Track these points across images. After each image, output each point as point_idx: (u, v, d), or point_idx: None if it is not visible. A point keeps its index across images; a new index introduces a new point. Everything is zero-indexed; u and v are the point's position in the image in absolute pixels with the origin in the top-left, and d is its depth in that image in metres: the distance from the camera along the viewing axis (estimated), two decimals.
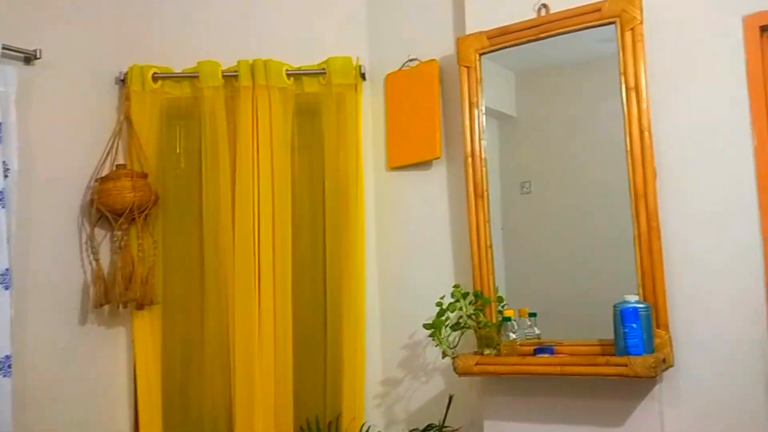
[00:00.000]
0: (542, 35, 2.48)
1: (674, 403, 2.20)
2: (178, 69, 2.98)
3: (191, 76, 2.96)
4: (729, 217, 2.18)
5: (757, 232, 2.13)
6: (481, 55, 2.61)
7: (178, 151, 3.02)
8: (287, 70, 2.97)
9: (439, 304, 2.50)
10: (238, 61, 2.94)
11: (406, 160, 2.88)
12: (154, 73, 2.94)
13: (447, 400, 2.62)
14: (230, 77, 2.95)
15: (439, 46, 2.84)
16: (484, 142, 2.58)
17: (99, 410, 2.80)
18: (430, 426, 2.69)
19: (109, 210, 2.77)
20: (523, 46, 2.54)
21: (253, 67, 2.93)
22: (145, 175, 2.86)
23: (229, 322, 2.81)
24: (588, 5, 2.39)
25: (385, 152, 2.95)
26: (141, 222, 2.82)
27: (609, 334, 2.24)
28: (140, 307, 2.81)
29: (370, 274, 2.92)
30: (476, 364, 2.35)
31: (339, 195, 2.90)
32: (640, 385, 2.20)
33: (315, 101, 3.00)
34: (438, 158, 2.78)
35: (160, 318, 2.86)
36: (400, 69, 2.92)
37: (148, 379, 2.80)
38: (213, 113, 2.93)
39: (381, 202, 2.95)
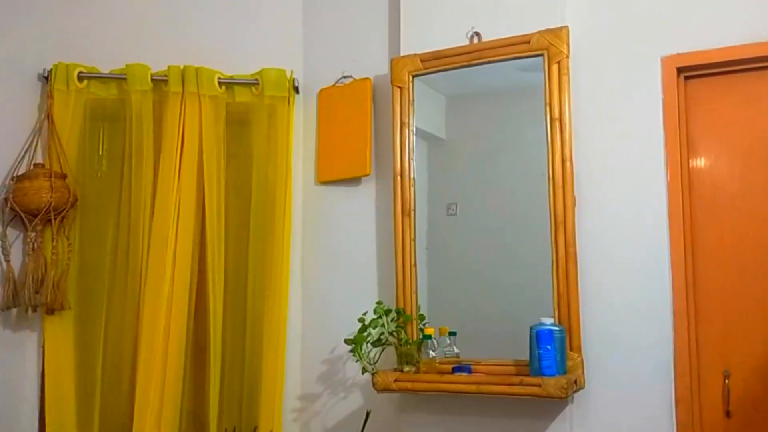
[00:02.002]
0: (474, 62, 2.56)
1: (583, 424, 2.29)
2: (105, 69, 2.90)
3: (119, 78, 2.89)
4: (641, 246, 2.29)
5: (667, 259, 2.25)
6: (414, 77, 2.66)
7: (100, 153, 2.93)
8: (219, 79, 2.93)
9: (361, 320, 2.51)
10: (169, 66, 2.89)
11: (335, 175, 2.89)
12: (80, 72, 2.86)
13: (364, 416, 2.63)
14: (159, 81, 2.89)
15: (373, 65, 2.87)
16: (413, 162, 2.63)
17: (1, 417, 2.67)
18: None
19: (23, 210, 2.66)
20: (455, 71, 2.60)
21: (183, 73, 2.88)
22: (64, 176, 2.77)
23: (137, 331, 2.73)
24: (518, 36, 2.48)
25: (315, 166, 2.96)
26: (57, 224, 2.72)
27: (525, 355, 2.30)
28: (50, 311, 2.70)
29: (293, 287, 2.91)
30: (395, 380, 2.37)
31: (266, 206, 2.88)
32: (552, 405, 2.28)
33: (246, 111, 2.98)
34: (367, 175, 2.81)
35: (72, 324, 2.75)
36: (333, 85, 2.94)
37: (59, 386, 2.69)
38: (139, 117, 2.86)
39: (308, 215, 2.96)
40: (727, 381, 2.20)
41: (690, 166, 2.32)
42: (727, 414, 2.20)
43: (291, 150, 2.94)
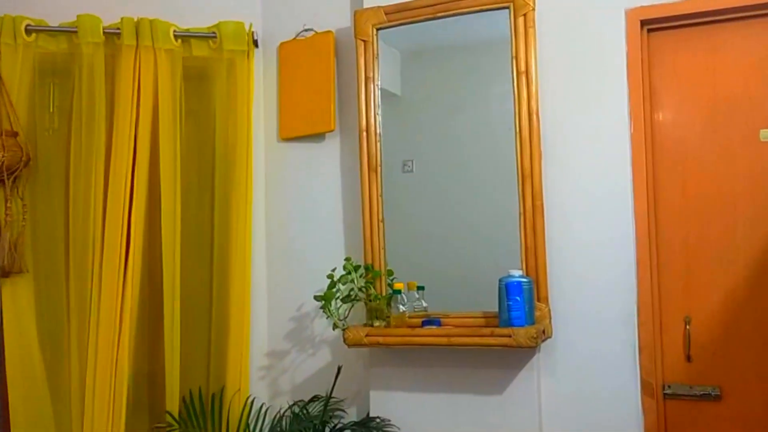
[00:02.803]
0: (439, 14, 2.53)
1: (551, 373, 2.34)
2: (54, 23, 2.77)
3: (69, 31, 2.76)
4: (606, 197, 2.32)
5: (630, 211, 2.29)
6: (378, 30, 2.62)
7: (51, 110, 2.81)
8: (175, 32, 2.83)
9: (330, 277, 2.51)
10: (122, 18, 2.77)
11: (298, 132, 2.85)
12: (28, 25, 2.71)
13: (335, 372, 2.64)
14: (112, 35, 2.78)
15: (335, 18, 2.82)
16: (379, 117, 2.60)
17: None
18: (315, 397, 2.71)
19: None
20: (416, 25, 2.57)
21: (138, 26, 2.77)
22: (15, 134, 2.65)
23: (95, 293, 2.66)
24: None
25: (278, 122, 2.91)
26: (9, 184, 2.62)
27: (493, 307, 2.34)
28: (6, 274, 2.62)
29: (258, 245, 2.88)
30: (366, 335, 2.38)
31: (227, 164, 2.83)
32: (521, 355, 2.32)
33: (204, 66, 2.90)
34: (331, 131, 2.77)
35: (31, 287, 2.67)
36: (294, 38, 2.88)
37: (19, 351, 2.62)
38: (91, 71, 2.74)
39: (271, 173, 2.92)
40: (687, 327, 2.27)
41: (653, 118, 2.35)
42: (688, 358, 2.28)
43: (251, 106, 2.88)
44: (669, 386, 2.29)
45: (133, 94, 2.74)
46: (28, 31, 2.72)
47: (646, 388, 2.25)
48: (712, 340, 2.24)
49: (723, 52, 2.29)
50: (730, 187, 2.24)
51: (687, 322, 2.28)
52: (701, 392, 2.25)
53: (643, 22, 2.33)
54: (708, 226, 2.27)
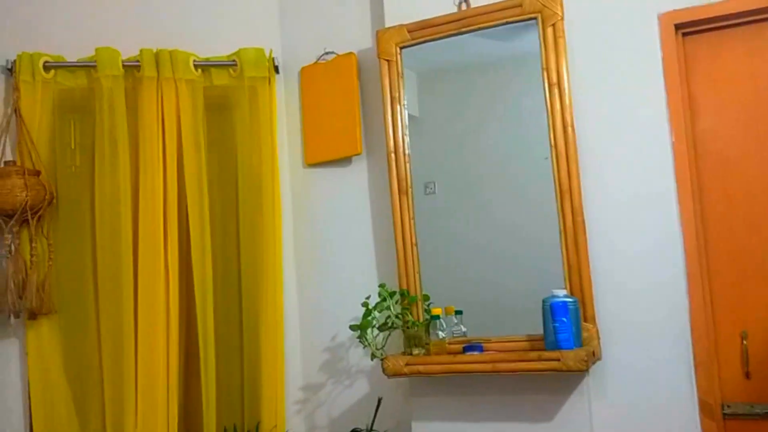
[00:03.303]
0: (463, 29, 2.46)
1: (602, 396, 2.23)
2: (72, 58, 2.74)
3: (87, 65, 2.73)
4: (649, 209, 2.23)
5: (677, 222, 2.19)
6: (401, 48, 2.56)
7: (72, 147, 2.77)
8: (195, 61, 2.80)
9: (365, 305, 2.43)
10: (141, 50, 2.74)
11: (324, 157, 2.79)
12: (46, 61, 2.69)
13: (373, 404, 2.55)
14: (131, 67, 2.75)
15: (356, 39, 2.77)
16: (407, 138, 2.53)
17: None
18: (354, 431, 2.61)
19: None
20: (435, 44, 2.50)
21: (157, 57, 2.75)
22: (37, 173, 2.61)
23: (131, 332, 2.60)
24: (509, 0, 2.38)
25: (302, 148, 2.85)
26: (34, 224, 2.58)
27: (535, 330, 2.25)
28: (33, 316, 2.56)
29: (288, 275, 2.81)
30: (407, 364, 2.29)
31: (253, 194, 2.77)
32: (569, 379, 2.22)
33: (225, 95, 2.86)
34: (358, 154, 2.70)
35: (57, 328, 2.61)
36: (315, 62, 2.82)
37: (43, 393, 2.55)
38: (112, 106, 2.71)
39: (298, 200, 2.85)
40: (744, 342, 2.16)
41: (694, 124, 2.26)
42: (747, 375, 2.16)
43: (276, 133, 2.83)
44: (728, 405, 2.17)
45: (157, 128, 2.71)
46: (46, 68, 2.69)
47: (704, 408, 2.14)
48: None
49: (762, 54, 2.19)
50: None
51: (743, 337, 2.16)
52: (763, 411, 2.13)
53: (678, 26, 2.25)
54: (758, 235, 2.16)
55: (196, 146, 2.77)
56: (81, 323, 2.64)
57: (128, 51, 2.74)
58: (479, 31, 2.45)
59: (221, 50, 2.84)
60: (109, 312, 2.61)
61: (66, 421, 2.58)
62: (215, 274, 2.75)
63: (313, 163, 2.82)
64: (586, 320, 2.21)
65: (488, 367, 2.19)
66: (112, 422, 2.56)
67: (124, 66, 2.73)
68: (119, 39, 2.75)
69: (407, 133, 2.54)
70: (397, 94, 2.54)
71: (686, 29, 2.26)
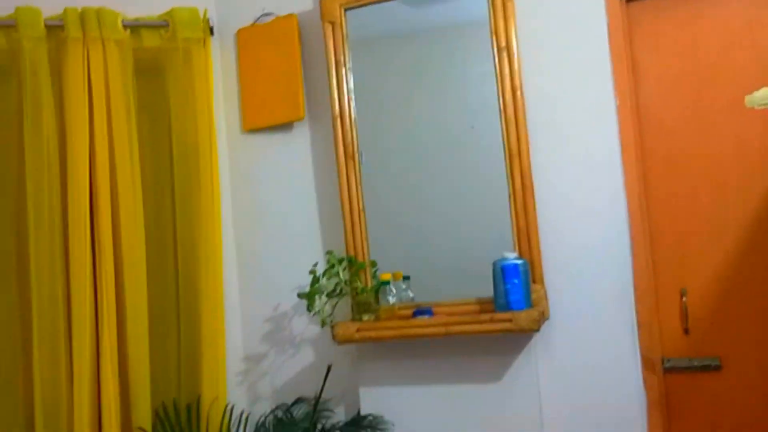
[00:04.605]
0: None
1: (549, 356, 2.28)
2: None
3: (6, 25, 2.54)
4: (595, 172, 2.27)
5: (621, 185, 2.24)
6: (346, 10, 2.50)
7: None
8: (123, 21, 2.65)
9: (312, 272, 2.39)
10: (65, 9, 2.57)
11: (264, 122, 2.70)
12: None
13: (318, 373, 2.52)
14: (54, 27, 2.57)
15: (296, 1, 2.68)
16: (353, 103, 2.48)
17: None
18: (299, 400, 2.58)
19: None
20: (382, 5, 2.46)
21: (82, 16, 2.58)
22: None
23: (61, 305, 2.47)
24: None
25: (240, 114, 2.75)
26: None
27: (485, 293, 2.27)
28: None
29: (227, 245, 2.72)
30: (357, 330, 2.27)
31: (189, 161, 2.65)
32: (518, 340, 2.26)
33: (156, 57, 2.72)
34: (300, 119, 2.64)
35: None
36: (253, 24, 2.72)
37: None
38: (34, 69, 2.52)
39: (237, 167, 2.76)
40: (684, 299, 2.25)
41: (638, 89, 2.31)
42: (686, 331, 2.26)
43: (212, 98, 2.72)
44: (668, 360, 2.27)
45: (83, 92, 2.55)
46: None
47: (646, 363, 2.22)
48: (709, 310, 2.23)
49: (703, 20, 2.26)
50: (718, 155, 2.23)
51: (683, 294, 2.26)
52: (701, 364, 2.23)
53: None
54: (698, 197, 2.25)
55: (127, 111, 2.62)
56: (6, 298, 2.48)
57: (51, 10, 2.56)
58: None
59: (152, 10, 2.70)
60: (39, 285, 2.46)
61: None
62: (149, 245, 2.63)
63: (252, 128, 2.73)
64: (534, 281, 2.24)
65: (441, 330, 2.19)
66: (45, 404, 2.42)
67: (46, 26, 2.55)
68: None
69: (353, 97, 2.49)
70: (342, 58, 2.49)
71: None
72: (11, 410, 2.49)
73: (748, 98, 2.21)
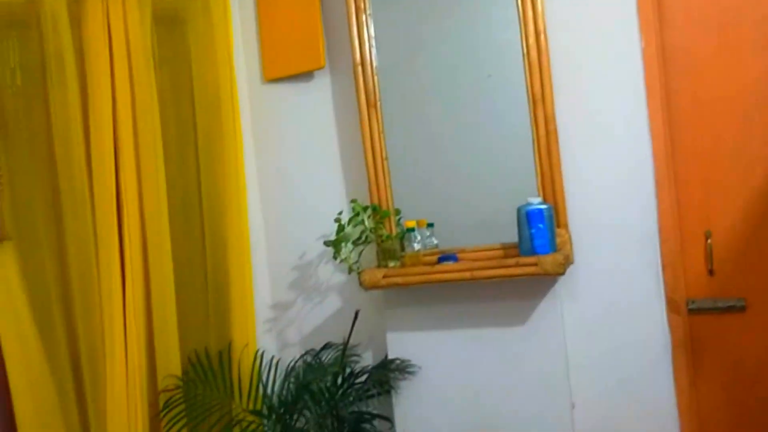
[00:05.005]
0: None
1: (574, 299, 2.31)
2: None
3: None
4: (620, 116, 2.26)
5: (646, 129, 2.23)
6: None
7: (12, 65, 2.59)
8: None
9: (337, 221, 2.42)
10: None
11: (285, 72, 2.70)
12: None
13: (345, 319, 2.56)
14: None
15: None
16: (374, 50, 2.47)
17: None
18: (327, 345, 2.63)
19: None
20: None
21: None
22: None
23: (92, 256, 2.52)
24: None
25: (260, 63, 2.74)
26: None
27: (509, 238, 2.28)
28: None
29: (252, 195, 2.75)
30: (384, 276, 2.30)
31: (211, 112, 2.66)
32: (542, 284, 2.28)
33: (175, 8, 2.70)
34: (321, 68, 2.63)
35: (14, 256, 2.48)
36: None
37: (9, 325, 2.45)
38: (54, 21, 2.51)
39: (259, 117, 2.77)
40: (708, 241, 2.26)
41: (662, 30, 2.28)
42: (710, 272, 2.27)
43: (232, 47, 2.71)
44: (693, 301, 2.29)
45: (104, 44, 2.54)
46: None
47: (670, 305, 2.24)
48: (734, 252, 2.24)
49: None
50: (744, 95, 2.21)
51: (708, 236, 2.26)
52: (725, 305, 2.25)
53: None
54: (722, 138, 2.24)
55: (147, 63, 2.61)
56: (40, 250, 2.52)
57: None
58: None
59: None
60: (67, 239, 2.50)
61: (35, 352, 2.48)
62: (174, 195, 2.66)
63: (273, 78, 2.72)
64: (559, 226, 2.25)
65: (467, 275, 2.22)
66: (82, 349, 2.49)
67: None
68: None
69: (374, 44, 2.47)
70: (362, 4, 2.46)
71: None
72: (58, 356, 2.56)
73: None
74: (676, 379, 2.23)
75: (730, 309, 2.24)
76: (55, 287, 2.51)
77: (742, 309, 2.23)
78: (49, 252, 2.53)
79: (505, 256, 2.29)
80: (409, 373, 2.42)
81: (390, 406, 2.48)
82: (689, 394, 2.25)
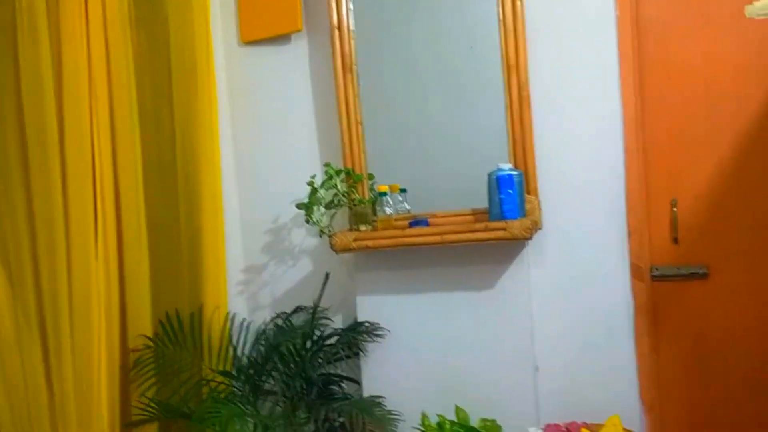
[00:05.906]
0: None
1: (541, 264, 2.34)
2: None
3: None
4: (592, 84, 2.29)
5: (618, 97, 2.26)
6: None
7: None
8: None
9: (310, 184, 2.42)
10: None
11: (261, 34, 2.68)
12: None
13: (316, 283, 2.59)
14: None
15: None
16: (351, 13, 2.47)
17: None
18: (298, 308, 2.65)
19: None
20: None
21: None
22: None
23: (62, 214, 2.52)
24: None
25: (237, 25, 2.73)
26: None
27: (479, 204, 2.31)
28: None
29: (226, 158, 2.74)
30: (355, 239, 2.32)
31: (187, 73, 2.64)
32: (511, 249, 2.31)
33: None
34: (298, 31, 2.62)
35: None
36: None
37: None
38: None
39: (234, 79, 2.75)
40: (674, 209, 2.30)
41: (638, 2, 2.30)
42: (675, 240, 2.31)
43: (209, 8, 2.69)
44: (657, 268, 2.33)
45: (80, 5, 2.52)
46: None
47: (635, 271, 2.28)
48: (699, 220, 2.28)
49: None
50: (716, 65, 2.24)
51: (673, 204, 2.30)
52: (688, 272, 2.30)
53: None
54: (693, 107, 2.27)
55: (123, 25, 2.61)
56: (8, 207, 2.52)
57: None
58: None
59: None
60: (38, 201, 2.51)
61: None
62: (149, 157, 2.67)
63: (250, 40, 2.71)
64: (528, 192, 2.28)
65: (437, 239, 2.25)
66: (47, 300, 2.50)
67: None
68: None
69: (351, 8, 2.47)
70: None
71: None
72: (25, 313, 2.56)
73: (748, 8, 2.20)
74: (638, 345, 2.28)
75: (692, 276, 2.29)
76: (26, 240, 2.51)
77: (705, 276, 2.28)
78: (20, 209, 2.53)
79: (476, 221, 2.32)
80: (378, 336, 2.45)
81: (359, 368, 2.51)
82: (650, 360, 2.31)
